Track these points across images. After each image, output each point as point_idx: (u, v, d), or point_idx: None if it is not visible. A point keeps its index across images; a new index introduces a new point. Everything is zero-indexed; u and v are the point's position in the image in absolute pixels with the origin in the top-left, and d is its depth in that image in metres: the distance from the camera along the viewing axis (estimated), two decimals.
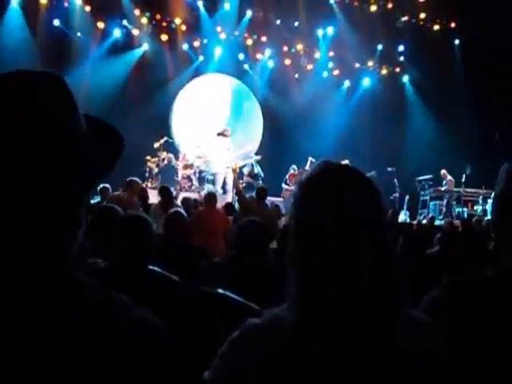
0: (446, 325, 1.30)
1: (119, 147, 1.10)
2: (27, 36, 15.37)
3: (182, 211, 5.26)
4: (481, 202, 15.29)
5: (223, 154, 14.26)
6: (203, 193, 11.61)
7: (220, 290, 2.76)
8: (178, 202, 9.51)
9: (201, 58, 18.12)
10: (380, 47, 18.71)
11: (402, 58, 19.16)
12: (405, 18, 18.04)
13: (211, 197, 8.66)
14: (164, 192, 8.89)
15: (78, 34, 16.33)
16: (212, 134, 15.32)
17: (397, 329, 1.17)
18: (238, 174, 14.76)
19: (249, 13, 17.44)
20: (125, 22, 16.69)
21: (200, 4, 17.00)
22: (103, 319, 0.97)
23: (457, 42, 18.46)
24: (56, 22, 15.99)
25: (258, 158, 15.27)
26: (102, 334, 0.95)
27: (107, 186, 9.09)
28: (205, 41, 17.82)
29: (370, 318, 1.15)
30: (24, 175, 0.92)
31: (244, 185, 14.10)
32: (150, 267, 3.00)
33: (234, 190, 12.16)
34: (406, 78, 19.37)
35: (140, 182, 9.00)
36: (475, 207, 15.71)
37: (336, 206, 1.18)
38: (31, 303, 0.93)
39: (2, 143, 0.91)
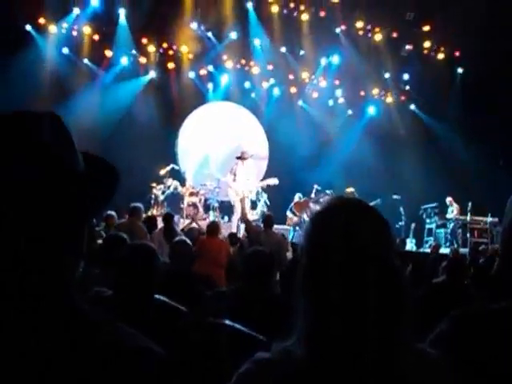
0: (456, 359, 1.29)
1: (115, 183, 1.12)
2: (39, 63, 15.55)
3: (187, 239, 5.25)
4: (488, 229, 15.22)
5: (244, 179, 13.97)
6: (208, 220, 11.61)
7: (227, 321, 2.75)
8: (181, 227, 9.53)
9: (208, 86, 18.26)
10: (385, 76, 18.80)
11: (407, 87, 19.25)
12: (409, 47, 18.16)
13: (213, 226, 8.65)
14: (167, 219, 8.91)
15: (86, 61, 16.50)
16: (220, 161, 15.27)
17: (405, 364, 1.17)
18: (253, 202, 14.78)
19: (255, 41, 17.58)
20: (133, 51, 16.84)
21: (207, 33, 17.16)
22: (105, 349, 0.97)
23: (460, 70, 18.54)
24: (65, 50, 16.18)
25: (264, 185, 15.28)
26: (103, 364, 0.96)
27: (112, 213, 9.10)
28: (211, 69, 17.98)
29: (377, 353, 1.15)
30: (24, 212, 0.94)
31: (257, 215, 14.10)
32: (156, 296, 3.00)
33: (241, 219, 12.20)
34: (412, 106, 19.44)
35: (143, 207, 8.99)
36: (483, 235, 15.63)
37: (346, 241, 1.19)
38: (32, 334, 0.93)
39: (3, 181, 0.93)
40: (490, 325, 1.37)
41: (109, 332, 1.01)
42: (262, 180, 14.69)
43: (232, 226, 13.66)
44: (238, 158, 14.17)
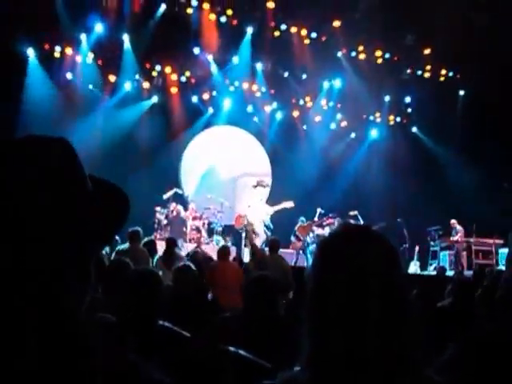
0: (466, 379, 1.28)
1: (125, 207, 1.12)
2: (44, 89, 15.68)
3: (191, 264, 5.23)
4: (493, 251, 15.14)
5: (260, 205, 14.11)
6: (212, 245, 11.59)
7: (231, 348, 2.73)
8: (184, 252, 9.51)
9: (210, 110, 18.36)
10: (387, 98, 18.90)
11: (409, 110, 19.33)
12: (410, 70, 18.28)
13: (224, 250, 8.68)
14: (169, 244, 8.91)
15: (90, 86, 16.61)
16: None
17: None
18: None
19: (257, 65, 17.70)
20: (136, 76, 16.96)
21: (209, 57, 17.30)
22: (112, 379, 0.96)
23: (462, 92, 18.63)
24: (69, 76, 16.30)
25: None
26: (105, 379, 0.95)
27: (116, 237, 9.09)
28: (214, 93, 18.08)
29: (380, 376, 1.14)
30: (33, 235, 0.94)
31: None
32: (160, 322, 2.97)
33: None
34: (414, 129, 19.49)
35: (141, 231, 8.97)
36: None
37: (353, 270, 1.19)
38: (36, 362, 0.92)
39: (14, 206, 0.93)
40: (501, 348, 1.36)
41: (119, 363, 1.00)
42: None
43: (241, 250, 13.65)
44: (255, 186, 14.27)
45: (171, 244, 8.93)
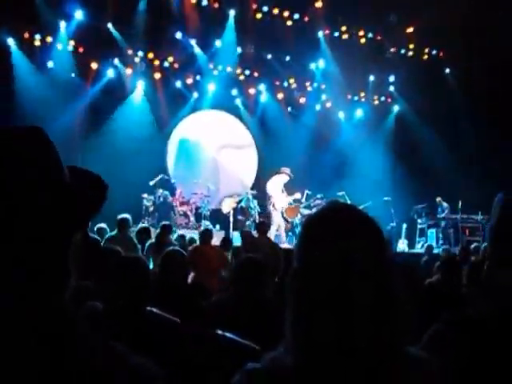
0: (447, 362, 1.29)
1: (103, 193, 1.11)
2: (31, 79, 15.51)
3: (180, 249, 5.21)
4: (480, 227, 15.29)
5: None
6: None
7: (219, 331, 2.74)
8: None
9: (195, 94, 18.26)
10: (371, 78, 18.89)
11: (392, 88, 19.35)
12: (394, 49, 18.28)
13: (206, 233, 8.63)
14: (163, 230, 8.87)
15: (72, 74, 16.45)
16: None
17: (396, 370, 1.17)
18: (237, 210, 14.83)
19: (240, 49, 17.62)
20: (117, 62, 16.80)
21: (192, 42, 17.17)
22: (98, 368, 0.96)
23: (447, 70, 18.67)
24: (50, 64, 16.12)
25: (254, 192, 15.31)
26: (92, 372, 0.95)
27: (103, 226, 9.06)
28: (198, 78, 17.97)
29: (367, 360, 1.15)
30: (6, 227, 0.93)
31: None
32: (149, 309, 2.98)
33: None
34: (397, 108, 19.53)
35: (130, 218, 8.95)
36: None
37: (336, 248, 1.19)
38: (20, 354, 0.92)
39: None
40: (481, 328, 1.37)
41: (104, 352, 1.00)
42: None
43: (229, 234, 13.72)
44: (279, 173, 14.59)
45: (165, 230, 8.86)
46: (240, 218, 14.65)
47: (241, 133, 19.04)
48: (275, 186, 14.34)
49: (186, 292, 4.41)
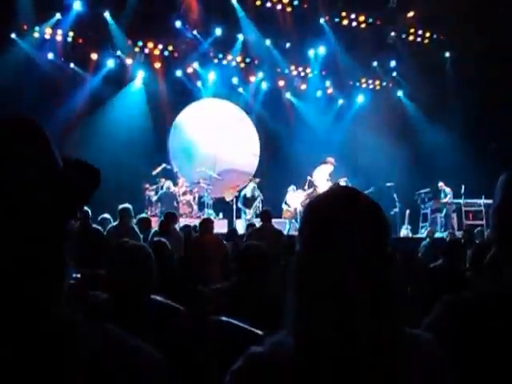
0: (449, 344, 1.29)
1: (96, 180, 1.10)
2: (26, 68, 15.44)
3: (164, 240, 5.06)
4: (483, 211, 15.28)
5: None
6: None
7: (223, 318, 2.74)
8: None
9: (196, 83, 18.20)
10: (372, 64, 18.82)
11: (394, 73, 19.29)
12: (394, 34, 18.18)
13: (206, 223, 8.57)
14: (167, 219, 8.80)
15: (72, 65, 16.41)
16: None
17: (397, 351, 1.17)
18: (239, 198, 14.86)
19: (240, 36, 17.54)
20: (118, 53, 16.75)
21: (192, 31, 17.09)
22: (95, 356, 0.96)
23: (447, 54, 18.59)
24: (50, 56, 16.09)
25: (257, 180, 15.31)
26: (93, 370, 0.94)
27: (107, 216, 9.07)
28: (198, 66, 17.90)
29: (369, 341, 1.14)
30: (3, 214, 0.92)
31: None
32: (152, 296, 2.98)
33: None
34: (400, 93, 19.47)
35: (131, 208, 8.88)
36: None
37: (339, 232, 1.18)
38: (15, 348, 0.91)
39: None
40: (483, 309, 1.36)
41: (101, 339, 0.99)
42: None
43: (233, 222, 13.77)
44: (325, 162, 14.82)
45: (168, 219, 8.75)
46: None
47: (242, 120, 19.01)
48: (321, 174, 14.62)
49: (184, 280, 4.40)
